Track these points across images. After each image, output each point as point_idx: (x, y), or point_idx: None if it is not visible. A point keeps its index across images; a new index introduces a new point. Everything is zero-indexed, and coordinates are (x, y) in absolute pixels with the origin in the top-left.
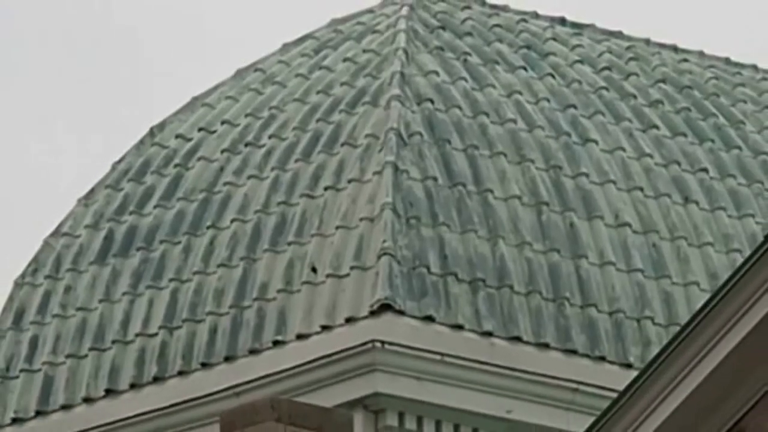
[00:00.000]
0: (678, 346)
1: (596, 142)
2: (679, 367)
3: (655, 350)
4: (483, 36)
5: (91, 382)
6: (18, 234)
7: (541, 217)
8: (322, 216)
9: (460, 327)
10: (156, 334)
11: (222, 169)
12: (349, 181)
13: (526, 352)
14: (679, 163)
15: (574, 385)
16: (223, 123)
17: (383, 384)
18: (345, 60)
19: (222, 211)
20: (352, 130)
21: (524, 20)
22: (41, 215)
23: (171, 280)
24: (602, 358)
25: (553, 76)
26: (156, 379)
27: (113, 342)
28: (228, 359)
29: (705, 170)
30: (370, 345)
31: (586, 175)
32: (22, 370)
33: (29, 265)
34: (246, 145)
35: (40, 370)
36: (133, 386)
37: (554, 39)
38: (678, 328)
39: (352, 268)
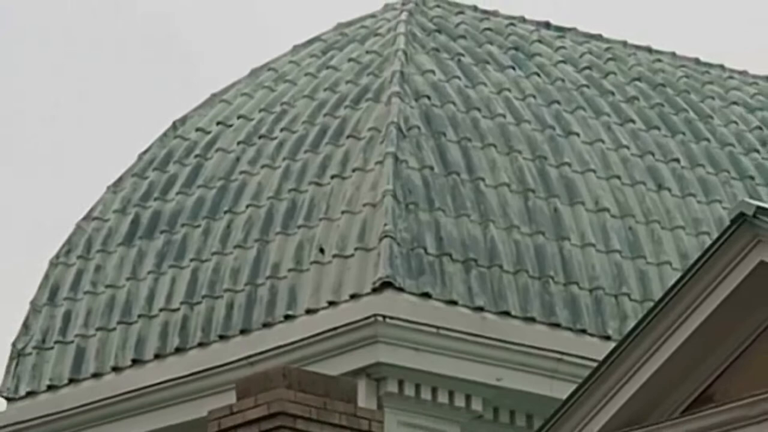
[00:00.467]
0: (652, 320)
1: (578, 134)
2: (653, 339)
3: (631, 324)
4: (475, 38)
5: (119, 352)
6: (53, 218)
7: (528, 203)
8: (329, 202)
9: (454, 302)
10: (178, 309)
11: (238, 159)
12: (354, 170)
13: (514, 325)
14: (653, 154)
15: (558, 356)
16: (239, 117)
17: (384, 354)
18: (350, 60)
19: (238, 198)
20: (356, 124)
21: (512, 24)
22: (74, 201)
23: (192, 259)
24: (583, 331)
25: (538, 75)
26: (178, 350)
27: (139, 316)
28: (243, 332)
29: (677, 160)
30: (372, 319)
31: (569, 164)
32: (56, 342)
33: (63, 246)
34: (260, 137)
35: (72, 341)
36: (157, 356)
37: (540, 41)
38: (652, 304)
39: (356, 249)
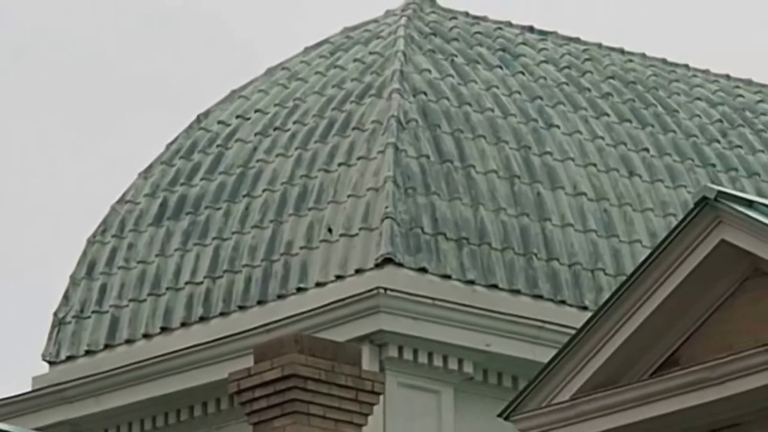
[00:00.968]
0: (624, 293)
1: (558, 126)
2: (625, 309)
3: (605, 295)
4: (466, 41)
5: (149, 321)
6: (90, 201)
7: (514, 188)
8: (336, 187)
9: (448, 276)
10: (202, 282)
11: (255, 148)
12: (358, 159)
13: (502, 296)
14: (625, 144)
15: (540, 324)
16: (256, 111)
17: (386, 323)
18: (355, 60)
19: (255, 183)
20: (361, 117)
21: (500, 28)
22: (108, 186)
23: (214, 238)
24: (563, 302)
25: (523, 74)
26: (202, 319)
27: (167, 288)
28: (260, 302)
29: (646, 150)
30: (375, 291)
31: (550, 153)
32: (93, 312)
33: (99, 226)
34: (274, 129)
35: (107, 311)
36: (183, 324)
37: (524, 44)
38: (624, 278)
39: (360, 228)
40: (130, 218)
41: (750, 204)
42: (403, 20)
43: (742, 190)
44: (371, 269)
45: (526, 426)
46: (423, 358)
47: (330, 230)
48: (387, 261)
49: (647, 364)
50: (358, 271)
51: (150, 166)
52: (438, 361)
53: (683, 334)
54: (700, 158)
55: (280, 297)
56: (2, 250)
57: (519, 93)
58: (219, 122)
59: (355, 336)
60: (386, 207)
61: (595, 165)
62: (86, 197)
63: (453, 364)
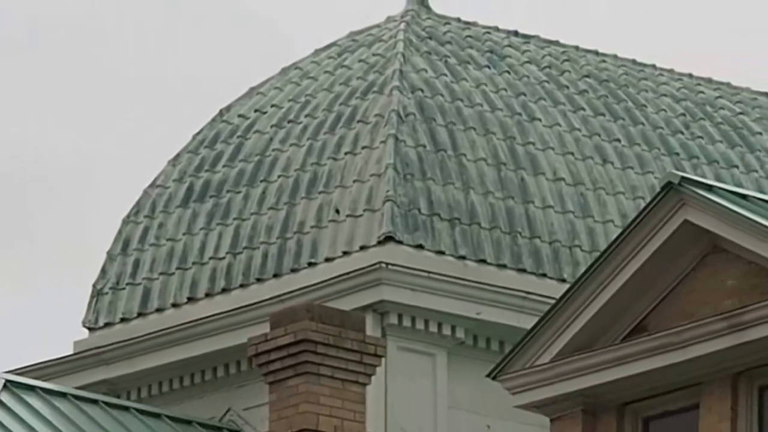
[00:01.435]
0: (598, 267)
1: (540, 119)
2: (599, 281)
3: (582, 269)
4: (459, 44)
5: (177, 292)
6: (125, 186)
7: (501, 174)
8: (344, 173)
9: (442, 252)
10: (224, 258)
11: (271, 139)
12: (363, 148)
13: (490, 270)
14: (599, 135)
15: (524, 294)
16: (272, 106)
17: (387, 294)
18: (359, 61)
19: (271, 170)
20: (365, 112)
21: (488, 32)
22: (142, 172)
23: (234, 219)
24: (544, 275)
25: (509, 73)
26: (224, 290)
27: (193, 263)
28: (276, 275)
29: (618, 140)
30: (377, 265)
31: (533, 143)
32: (127, 284)
33: (133, 208)
34: (288, 122)
35: (140, 283)
36: (207, 295)
37: (510, 46)
38: (598, 254)
39: (364, 210)
40: (160, 201)
41: (710, 188)
42: (403, 25)
43: (703, 176)
44: (374, 246)
45: (511, 385)
46: (420, 325)
47: (338, 211)
48: (388, 239)
49: (619, 330)
50: (362, 248)
51: (178, 155)
52: (433, 328)
53: (651, 303)
54: (665, 148)
55: (293, 270)
56: (51, 232)
57: (505, 90)
58: (239, 116)
59: (360, 305)
60: (387, 191)
61: (572, 153)
62: (122, 183)
63: (447, 330)
